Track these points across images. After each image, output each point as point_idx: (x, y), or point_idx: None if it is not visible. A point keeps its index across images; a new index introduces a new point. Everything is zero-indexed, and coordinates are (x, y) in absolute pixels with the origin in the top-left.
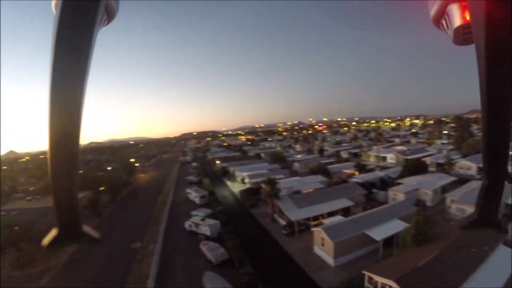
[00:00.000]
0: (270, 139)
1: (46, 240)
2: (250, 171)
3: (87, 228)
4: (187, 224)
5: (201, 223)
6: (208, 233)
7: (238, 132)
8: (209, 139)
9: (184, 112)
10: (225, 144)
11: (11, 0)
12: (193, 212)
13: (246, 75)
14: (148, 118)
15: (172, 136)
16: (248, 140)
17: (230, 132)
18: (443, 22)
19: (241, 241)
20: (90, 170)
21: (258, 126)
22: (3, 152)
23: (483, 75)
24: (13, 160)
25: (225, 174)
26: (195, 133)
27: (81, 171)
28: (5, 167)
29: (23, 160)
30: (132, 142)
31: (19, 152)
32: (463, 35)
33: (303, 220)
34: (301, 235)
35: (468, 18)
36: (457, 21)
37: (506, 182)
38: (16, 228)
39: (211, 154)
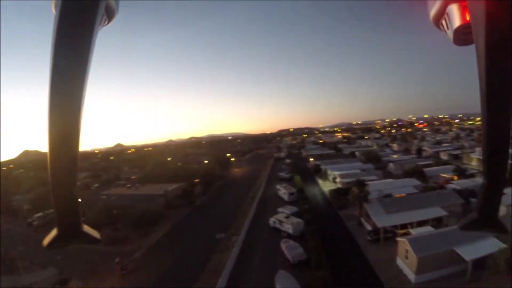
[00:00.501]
0: (366, 137)
1: (46, 240)
2: (342, 170)
3: (87, 228)
4: (271, 221)
5: (285, 220)
6: (290, 231)
7: (335, 129)
8: (305, 135)
9: (281, 109)
10: (321, 141)
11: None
12: (279, 209)
13: (344, 70)
14: (247, 114)
15: (268, 132)
16: (344, 137)
17: (326, 129)
18: (443, 22)
19: (322, 242)
20: (187, 163)
21: (355, 123)
22: (112, 144)
23: (483, 75)
24: (119, 151)
25: (317, 172)
26: (292, 130)
27: (179, 163)
28: (112, 157)
29: (128, 152)
30: (230, 137)
31: (126, 145)
32: (463, 35)
33: (390, 227)
34: (386, 243)
35: (468, 18)
36: (457, 21)
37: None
38: (114, 211)
39: (305, 151)
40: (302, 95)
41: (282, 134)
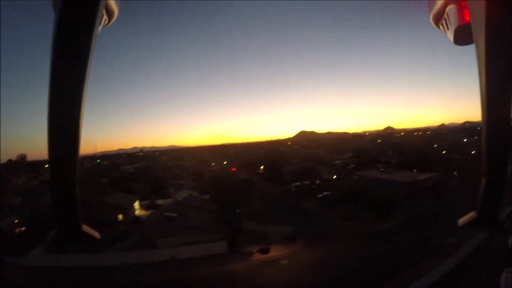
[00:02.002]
0: None
1: (47, 240)
2: None
3: (87, 228)
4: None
5: None
6: None
7: None
8: None
9: None
10: None
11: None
12: None
13: None
14: None
15: None
16: None
17: None
18: (443, 22)
19: None
20: (452, 151)
21: None
22: (382, 127)
23: (483, 75)
24: (388, 134)
25: None
26: None
27: (444, 151)
28: (379, 140)
29: (397, 135)
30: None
31: (396, 128)
32: (463, 35)
33: None
34: None
35: (468, 18)
36: (457, 21)
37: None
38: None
39: None
40: None
41: None
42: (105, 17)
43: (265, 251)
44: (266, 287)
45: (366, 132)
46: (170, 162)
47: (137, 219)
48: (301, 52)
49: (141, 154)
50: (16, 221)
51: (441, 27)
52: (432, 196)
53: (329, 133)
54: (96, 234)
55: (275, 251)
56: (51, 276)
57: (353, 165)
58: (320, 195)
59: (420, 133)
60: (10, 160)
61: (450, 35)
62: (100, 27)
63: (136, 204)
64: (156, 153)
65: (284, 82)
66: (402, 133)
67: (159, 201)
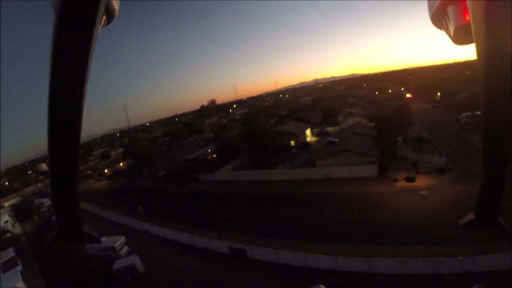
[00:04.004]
0: None
1: (47, 240)
2: None
3: (87, 228)
4: None
5: None
6: None
7: None
8: None
9: None
10: None
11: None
12: None
13: None
14: None
15: None
16: None
17: None
18: (443, 22)
19: None
20: None
21: None
22: None
23: (483, 75)
24: None
25: None
26: None
27: None
28: None
29: None
30: None
31: None
32: (463, 35)
33: None
34: None
35: (468, 18)
36: (457, 21)
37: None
38: None
39: None
40: None
41: None
42: (105, 17)
43: (410, 179)
44: (392, 210)
45: None
46: (348, 91)
47: (307, 144)
48: None
49: (320, 85)
50: (209, 150)
51: (441, 27)
52: None
53: None
54: (96, 234)
55: (421, 181)
56: (230, 185)
57: None
58: None
59: None
60: (202, 106)
61: (450, 35)
62: (100, 27)
63: (308, 131)
64: (336, 82)
65: None
66: None
67: (329, 128)
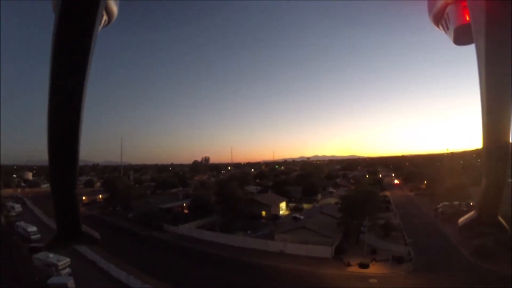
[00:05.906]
0: None
1: (47, 241)
2: None
3: (86, 228)
4: None
5: None
6: None
7: None
8: None
9: None
10: None
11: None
12: None
13: None
14: None
15: None
16: None
17: None
18: (443, 22)
19: None
20: None
21: None
22: None
23: (483, 75)
24: None
25: None
26: None
27: None
28: None
29: None
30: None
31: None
32: (463, 35)
33: None
34: None
35: (468, 18)
36: (457, 21)
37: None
38: None
39: None
40: None
41: None
42: (105, 17)
43: (364, 265)
44: None
45: None
46: (341, 171)
47: (277, 216)
48: None
49: (318, 162)
50: (184, 204)
51: (441, 27)
52: None
53: None
54: (96, 234)
55: (375, 269)
56: (189, 241)
57: None
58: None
59: None
60: (195, 161)
61: (450, 35)
62: (100, 27)
63: (283, 204)
64: (334, 161)
65: None
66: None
67: (305, 205)
